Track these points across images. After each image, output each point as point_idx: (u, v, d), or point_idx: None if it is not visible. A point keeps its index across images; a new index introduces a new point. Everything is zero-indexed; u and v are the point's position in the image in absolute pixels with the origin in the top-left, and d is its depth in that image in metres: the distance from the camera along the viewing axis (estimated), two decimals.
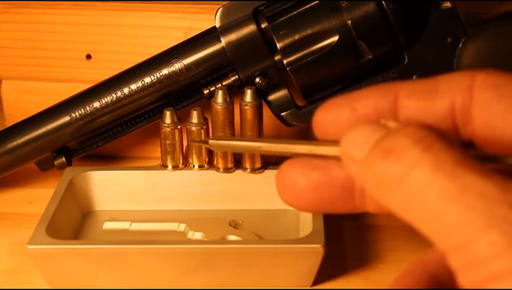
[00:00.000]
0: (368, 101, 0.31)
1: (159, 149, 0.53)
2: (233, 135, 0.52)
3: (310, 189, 0.31)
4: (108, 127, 0.55)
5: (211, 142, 0.35)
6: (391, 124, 0.28)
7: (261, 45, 0.51)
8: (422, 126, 0.27)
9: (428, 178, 0.25)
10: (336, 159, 0.30)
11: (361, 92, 0.31)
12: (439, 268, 0.31)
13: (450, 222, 0.24)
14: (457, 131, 0.30)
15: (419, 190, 0.25)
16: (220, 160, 0.53)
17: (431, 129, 0.27)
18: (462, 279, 0.25)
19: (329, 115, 0.31)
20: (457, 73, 0.30)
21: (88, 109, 0.53)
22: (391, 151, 0.27)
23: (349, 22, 0.49)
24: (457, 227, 0.24)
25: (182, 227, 0.51)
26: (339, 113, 0.31)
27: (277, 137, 0.59)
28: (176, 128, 0.52)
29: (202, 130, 0.52)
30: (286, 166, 0.31)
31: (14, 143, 0.54)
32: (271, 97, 0.53)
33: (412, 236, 0.51)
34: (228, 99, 0.51)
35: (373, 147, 0.27)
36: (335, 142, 0.30)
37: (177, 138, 0.52)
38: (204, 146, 0.34)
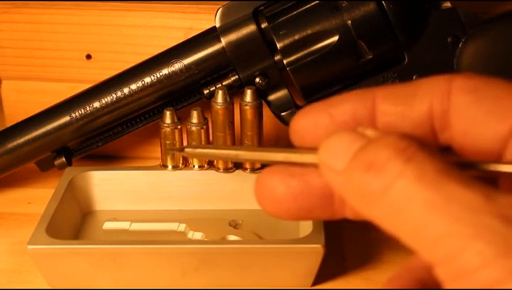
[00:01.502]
0: (346, 106, 0.30)
1: (159, 149, 0.53)
2: (232, 135, 0.52)
3: (289, 198, 0.30)
4: (108, 127, 0.55)
5: (187, 150, 0.34)
6: (369, 132, 0.28)
7: (261, 45, 0.51)
8: (402, 135, 0.27)
9: (412, 189, 0.25)
10: (314, 166, 0.29)
11: (338, 97, 0.31)
12: (425, 275, 0.30)
13: (436, 233, 0.24)
14: (435, 137, 0.30)
15: (402, 202, 0.25)
16: (220, 160, 0.53)
17: (412, 138, 0.27)
18: None
19: (306, 122, 0.31)
20: (435, 78, 0.30)
21: (88, 109, 0.53)
22: (373, 163, 0.26)
23: (349, 22, 0.49)
24: (443, 238, 0.24)
25: (182, 227, 0.51)
26: (316, 119, 0.30)
27: (277, 137, 0.59)
28: (176, 128, 0.52)
29: (202, 130, 0.52)
30: (264, 174, 0.31)
31: (14, 143, 0.54)
32: (271, 97, 0.53)
33: None
34: (228, 99, 0.51)
35: (352, 158, 0.27)
36: (312, 150, 0.29)
37: (177, 138, 0.52)
38: (181, 154, 0.34)
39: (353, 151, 0.27)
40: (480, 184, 0.25)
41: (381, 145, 0.27)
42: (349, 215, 0.30)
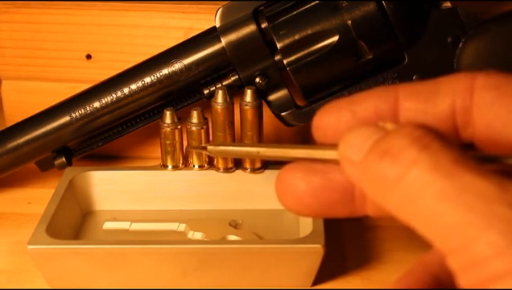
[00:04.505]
0: (368, 103, 0.30)
1: (159, 149, 0.53)
2: (233, 135, 0.52)
3: (310, 194, 0.30)
4: (108, 127, 0.55)
5: (209, 148, 0.34)
6: (389, 126, 0.28)
7: (261, 45, 0.51)
8: (419, 125, 0.27)
9: (426, 178, 0.25)
10: (336, 162, 0.29)
11: (360, 94, 0.31)
12: (440, 269, 0.31)
13: (449, 222, 0.24)
14: (457, 133, 0.30)
15: (416, 190, 0.25)
16: (221, 160, 0.53)
17: (429, 128, 0.27)
18: (462, 280, 0.25)
19: (329, 119, 0.31)
20: (457, 75, 0.30)
21: (88, 109, 0.53)
22: (388, 151, 0.26)
23: (349, 22, 0.49)
24: (456, 227, 0.24)
25: (182, 227, 0.51)
26: (339, 116, 0.31)
27: (277, 137, 0.59)
28: (176, 128, 0.52)
29: (202, 130, 0.52)
30: (285, 170, 0.31)
31: (14, 143, 0.54)
32: (271, 97, 0.53)
33: (412, 236, 0.51)
34: (228, 99, 0.51)
35: (370, 148, 0.27)
36: (334, 146, 0.29)
37: (177, 138, 0.52)
38: (203, 152, 0.34)
39: (371, 142, 0.27)
40: (495, 175, 0.25)
41: (397, 134, 0.27)
42: (370, 212, 0.31)
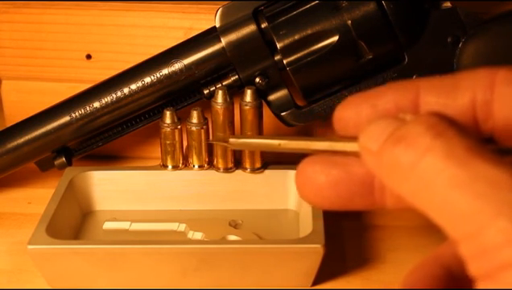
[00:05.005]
0: (388, 98, 0.31)
1: (159, 149, 0.53)
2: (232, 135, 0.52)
3: (329, 186, 0.31)
4: (108, 127, 0.55)
5: (231, 140, 0.34)
6: (409, 117, 0.28)
7: (261, 45, 0.51)
8: (434, 113, 0.27)
9: (440, 165, 0.25)
10: (357, 155, 0.30)
11: (380, 89, 0.31)
12: (452, 261, 0.31)
13: (461, 210, 0.24)
14: (477, 127, 0.30)
15: (430, 177, 0.25)
16: (220, 160, 0.53)
17: (444, 116, 0.27)
18: (472, 268, 0.25)
19: (349, 112, 0.31)
20: (479, 70, 0.30)
21: (88, 109, 0.53)
22: (403, 137, 0.27)
23: (349, 22, 0.49)
24: (468, 215, 0.24)
25: (182, 227, 0.51)
26: (359, 109, 0.31)
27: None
28: (176, 128, 0.52)
29: (202, 130, 0.52)
30: (305, 163, 0.31)
31: (14, 143, 0.54)
32: (271, 97, 0.53)
33: (412, 236, 0.52)
34: (228, 99, 0.51)
35: (387, 137, 0.28)
36: (355, 138, 0.30)
37: (177, 138, 0.52)
38: (225, 145, 0.34)
39: (389, 131, 0.28)
40: (507, 163, 0.25)
41: (413, 122, 0.27)
42: (389, 204, 0.31)
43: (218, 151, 0.53)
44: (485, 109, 0.29)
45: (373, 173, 0.29)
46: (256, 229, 0.51)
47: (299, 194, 0.32)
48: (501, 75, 0.29)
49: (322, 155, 0.31)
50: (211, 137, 0.53)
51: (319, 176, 0.31)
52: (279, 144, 0.32)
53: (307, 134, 0.59)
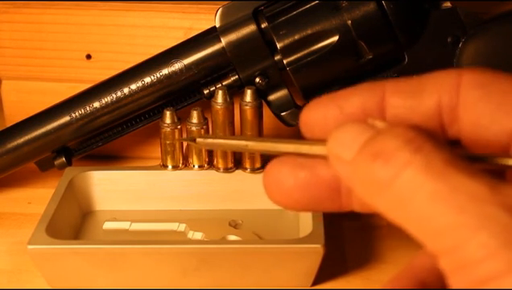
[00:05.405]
0: (354, 99, 0.30)
1: (159, 149, 0.53)
2: (233, 135, 0.52)
3: (297, 189, 0.30)
4: (108, 127, 0.55)
5: (198, 140, 0.34)
6: (379, 124, 0.28)
7: (261, 45, 0.51)
8: (411, 126, 0.27)
9: (419, 179, 0.25)
10: (323, 158, 0.29)
11: (347, 90, 0.31)
12: (427, 274, 0.30)
13: (441, 224, 0.24)
14: (444, 130, 0.30)
15: (409, 192, 0.25)
16: (220, 160, 0.53)
17: (420, 130, 0.27)
18: (453, 282, 0.24)
19: (316, 114, 0.31)
20: (444, 72, 0.30)
21: (88, 109, 0.53)
22: (381, 152, 0.26)
23: (349, 22, 0.49)
24: (448, 229, 0.24)
25: (182, 227, 0.51)
26: (326, 112, 0.31)
27: (277, 137, 0.59)
28: (176, 128, 0.52)
29: (202, 130, 0.52)
30: (273, 165, 0.31)
31: (14, 143, 0.54)
32: (271, 97, 0.53)
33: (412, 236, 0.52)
34: (228, 99, 0.51)
35: (361, 147, 0.27)
36: (322, 141, 0.29)
37: (177, 138, 0.52)
38: (192, 144, 0.34)
39: (362, 140, 0.27)
40: (487, 175, 0.25)
41: (389, 135, 0.27)
42: (356, 207, 0.30)
43: (218, 152, 0.53)
44: (450, 113, 0.29)
45: (339, 178, 0.29)
46: (256, 229, 0.51)
47: (268, 196, 0.31)
48: (465, 77, 0.29)
49: (289, 156, 0.31)
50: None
51: (287, 179, 0.30)
52: (246, 145, 0.32)
53: None
